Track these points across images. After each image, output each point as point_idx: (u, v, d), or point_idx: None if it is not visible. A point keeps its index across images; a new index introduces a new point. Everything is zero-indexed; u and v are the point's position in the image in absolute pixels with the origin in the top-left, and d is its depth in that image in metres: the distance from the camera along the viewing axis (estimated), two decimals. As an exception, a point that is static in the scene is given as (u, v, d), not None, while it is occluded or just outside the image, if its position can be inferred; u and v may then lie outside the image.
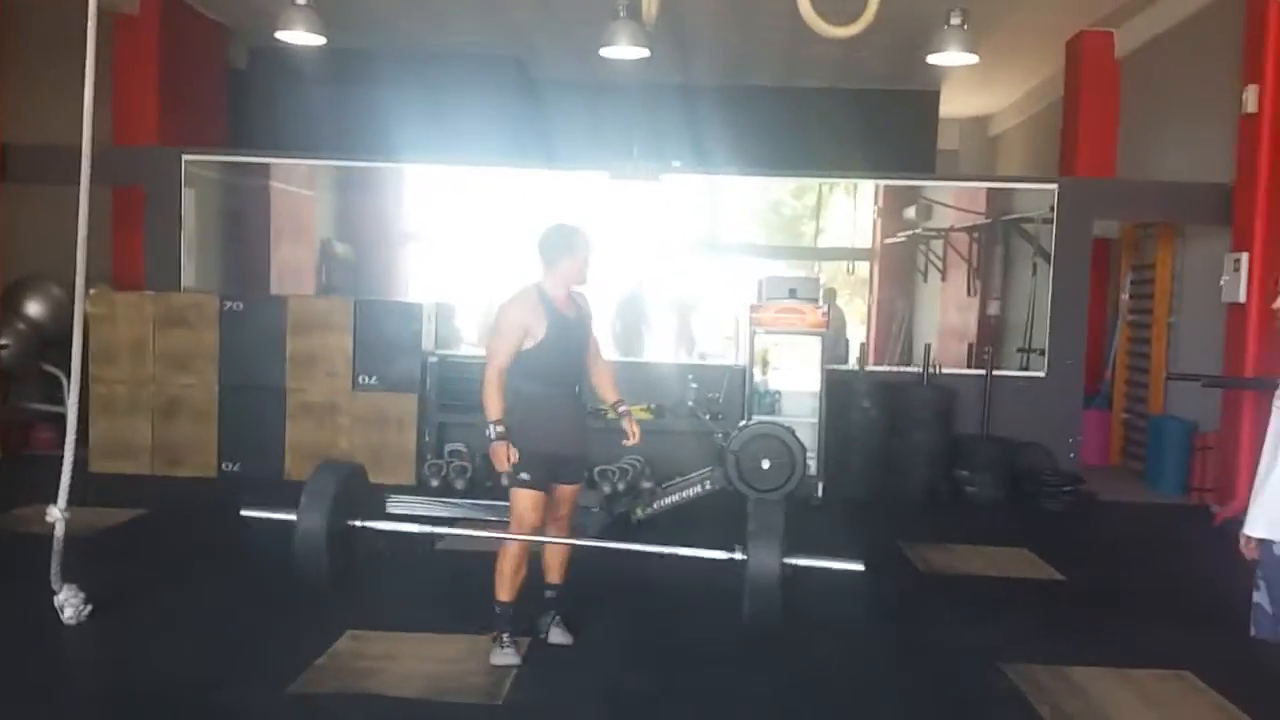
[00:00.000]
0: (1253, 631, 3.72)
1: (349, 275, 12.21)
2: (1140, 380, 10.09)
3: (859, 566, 3.84)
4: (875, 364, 10.99)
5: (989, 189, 11.96)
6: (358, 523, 4.23)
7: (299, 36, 9.37)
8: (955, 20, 9.06)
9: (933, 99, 13.95)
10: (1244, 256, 7.75)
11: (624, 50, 9.16)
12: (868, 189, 13.68)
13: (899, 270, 13.73)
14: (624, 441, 4.64)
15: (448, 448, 8.34)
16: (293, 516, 4.16)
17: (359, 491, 4.20)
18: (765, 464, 6.29)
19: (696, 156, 10.27)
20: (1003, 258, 11.47)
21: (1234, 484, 7.77)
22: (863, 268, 14.54)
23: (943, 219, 12.53)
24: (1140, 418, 10.03)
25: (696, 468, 8.06)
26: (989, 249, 11.81)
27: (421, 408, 8.25)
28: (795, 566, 3.79)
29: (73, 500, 4.95)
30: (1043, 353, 9.19)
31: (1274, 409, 3.57)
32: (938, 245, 13.06)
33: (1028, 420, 8.54)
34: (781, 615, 3.78)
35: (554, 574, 4.74)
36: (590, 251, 4.45)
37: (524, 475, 4.41)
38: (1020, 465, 8.26)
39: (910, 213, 13.18)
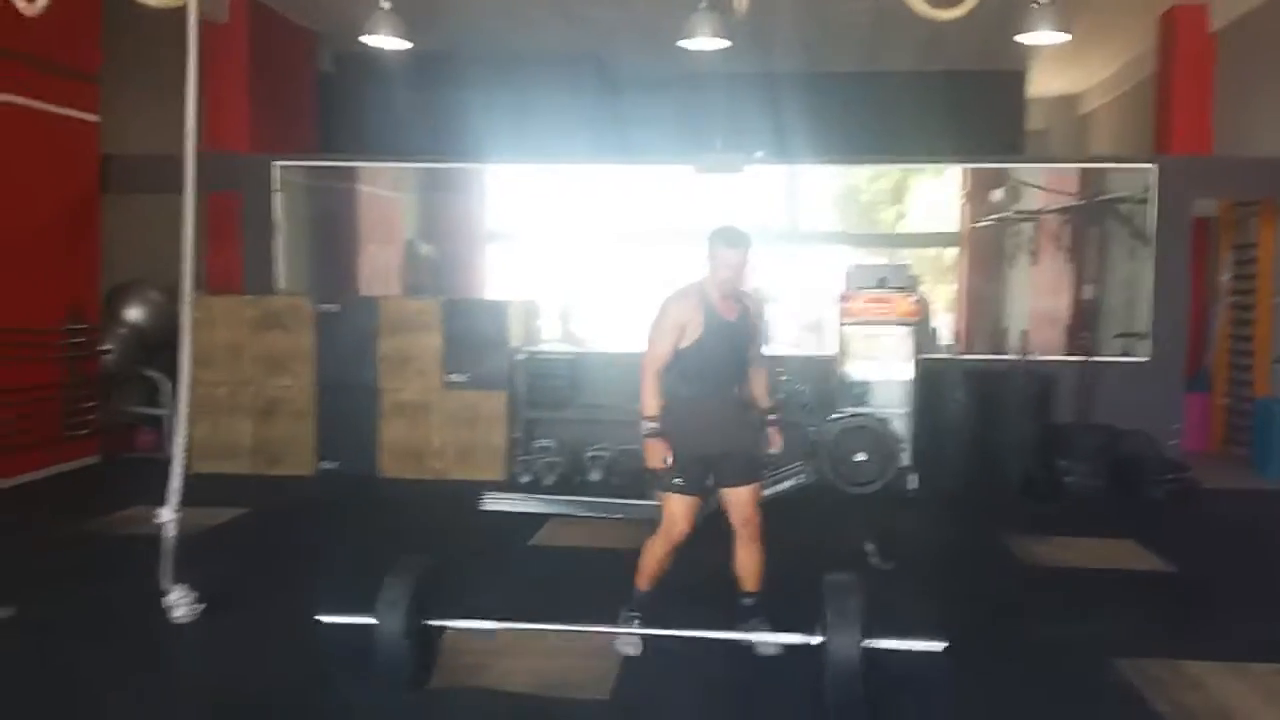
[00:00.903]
0: None
1: (433, 275, 12.39)
2: (1243, 363, 9.76)
3: (940, 646, 3.71)
4: (965, 351, 10.84)
5: (1082, 169, 11.65)
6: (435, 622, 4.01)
7: (384, 41, 9.53)
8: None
9: (1019, 79, 13.65)
10: (1355, 234, 7.44)
11: (706, 42, 9.13)
12: (953, 172, 13.48)
13: (988, 255, 13.49)
14: (767, 449, 4.56)
15: (536, 444, 8.39)
16: (371, 620, 3.99)
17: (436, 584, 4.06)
18: (859, 457, 6.21)
19: (777, 146, 10.18)
20: (1097, 240, 11.20)
21: (1348, 470, 7.48)
22: (946, 253, 14.35)
23: (1032, 202, 12.28)
24: (1244, 402, 9.70)
25: (786, 462, 8.05)
26: (1082, 231, 11.54)
27: (510, 405, 8.29)
28: (875, 649, 3.64)
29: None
30: (1143, 337, 8.94)
31: None
32: (1028, 228, 12.81)
33: (1128, 407, 8.31)
34: (864, 701, 3.63)
35: (748, 582, 4.56)
36: (747, 252, 4.31)
37: (677, 480, 4.35)
38: (1121, 453, 8.04)
39: (998, 195, 12.93)
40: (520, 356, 8.43)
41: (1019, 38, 9.39)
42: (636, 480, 7.91)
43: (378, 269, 12.59)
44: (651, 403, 4.38)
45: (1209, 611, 5.37)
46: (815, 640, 3.74)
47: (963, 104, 13.08)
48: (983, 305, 13.12)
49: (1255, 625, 5.12)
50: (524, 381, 8.40)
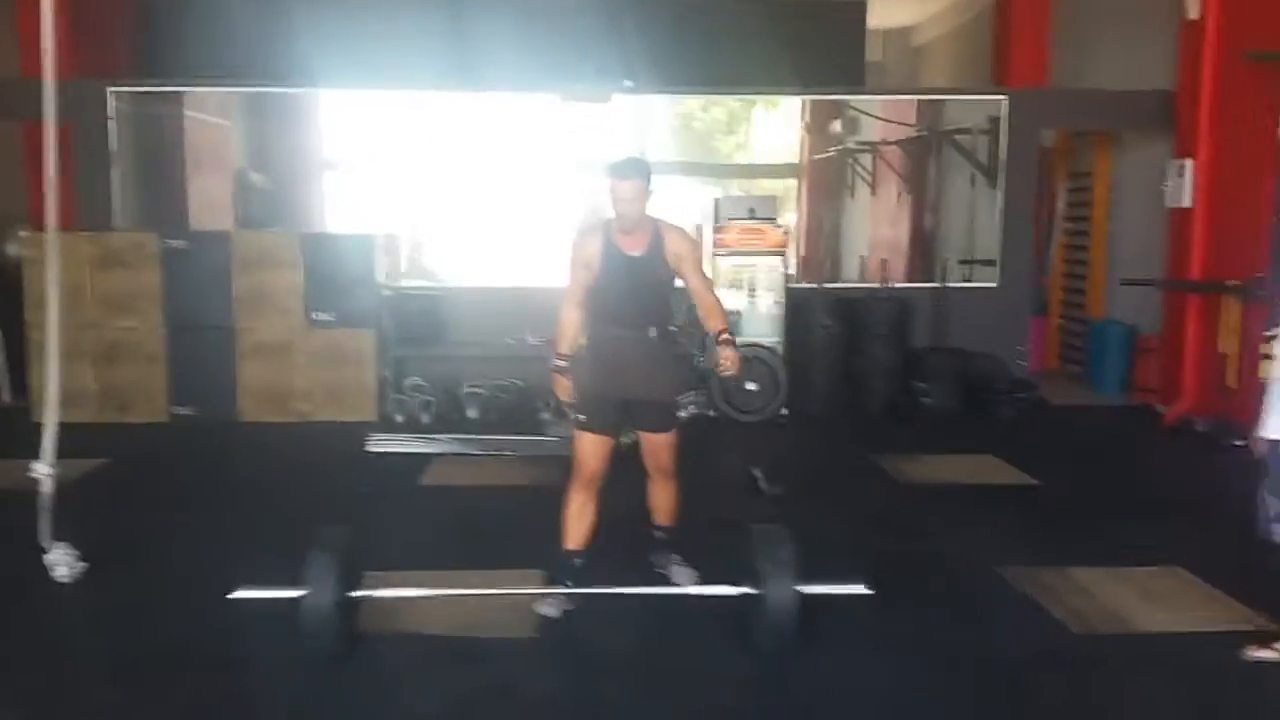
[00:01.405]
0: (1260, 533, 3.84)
1: (266, 206, 11.80)
2: (1077, 287, 10.35)
3: (865, 589, 3.84)
4: (803, 281, 11.09)
5: (919, 101, 11.97)
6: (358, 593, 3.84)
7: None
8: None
9: (860, 9, 13.86)
10: (1188, 163, 7.94)
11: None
12: (791, 103, 13.61)
13: (828, 185, 13.78)
14: (716, 369, 4.36)
15: (407, 382, 8.18)
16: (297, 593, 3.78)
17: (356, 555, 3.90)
18: (751, 386, 6.30)
19: (621, 72, 10.00)
20: (936, 170, 11.58)
21: (1179, 383, 8.04)
22: (779, 184, 14.48)
23: (872, 133, 12.57)
24: (1078, 323, 10.30)
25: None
26: (922, 161, 11.89)
27: (379, 343, 8.04)
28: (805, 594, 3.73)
29: (28, 453, 4.75)
30: (987, 264, 9.34)
31: None
32: (867, 160, 13.14)
33: (978, 331, 8.68)
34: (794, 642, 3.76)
35: (661, 514, 4.53)
36: (643, 182, 4.07)
37: (580, 416, 4.29)
38: (973, 375, 8.42)
39: (837, 126, 13.19)
40: (387, 293, 8.15)
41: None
42: (514, 416, 7.90)
43: (209, 201, 11.92)
44: (561, 338, 4.31)
45: (1077, 520, 5.72)
46: (749, 590, 3.78)
47: (805, 33, 13.21)
48: (823, 236, 13.42)
49: (1121, 531, 5.48)
50: (391, 319, 8.14)
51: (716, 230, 8.07)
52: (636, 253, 4.17)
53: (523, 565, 4.75)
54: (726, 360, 4.27)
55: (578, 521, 4.32)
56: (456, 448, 6.15)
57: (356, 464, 6.71)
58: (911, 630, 4.17)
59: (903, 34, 15.77)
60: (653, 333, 4.27)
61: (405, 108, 10.66)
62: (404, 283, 8.63)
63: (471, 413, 7.96)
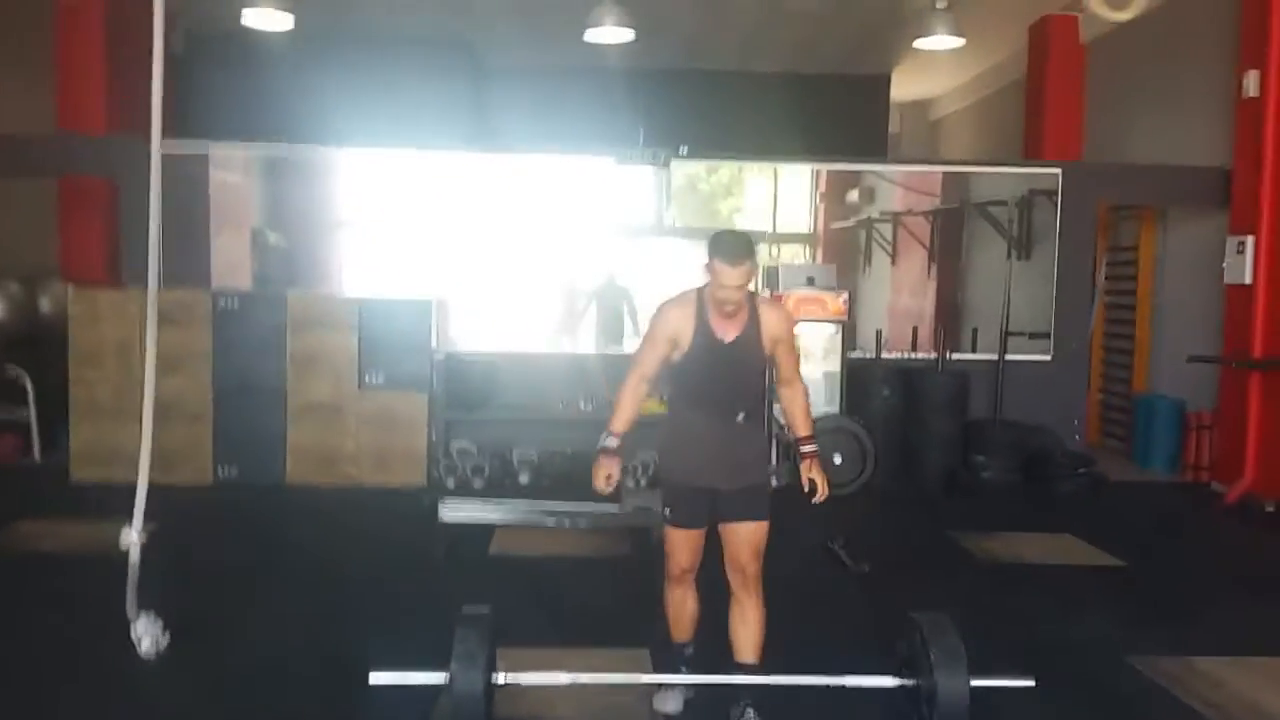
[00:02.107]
0: None
1: (283, 265, 11.65)
2: (1120, 361, 10.29)
3: (1031, 682, 3.68)
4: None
5: (945, 173, 11.99)
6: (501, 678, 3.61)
7: (263, 17, 8.94)
8: (941, 4, 9.09)
9: (883, 83, 14.04)
10: (1249, 239, 7.92)
11: (610, 32, 8.98)
12: (803, 172, 13.59)
13: (844, 255, 13.75)
14: (813, 497, 3.88)
15: (454, 446, 7.98)
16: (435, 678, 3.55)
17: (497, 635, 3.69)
18: (838, 459, 6.15)
19: (654, 139, 9.96)
20: (968, 241, 11.57)
21: (1241, 462, 7.95)
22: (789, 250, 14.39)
23: (886, 204, 12.59)
24: (1119, 397, 10.24)
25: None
26: (949, 233, 11.88)
27: (431, 407, 7.85)
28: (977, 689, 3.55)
29: (63, 511, 4.57)
30: (1032, 335, 9.27)
31: None
32: (887, 229, 13.14)
33: (1034, 404, 8.59)
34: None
35: (745, 652, 3.85)
36: (750, 267, 3.65)
37: (667, 510, 3.88)
38: (1032, 449, 8.30)
39: (853, 196, 13.21)
40: (439, 356, 7.98)
41: (917, 43, 9.65)
42: (569, 482, 7.71)
43: (230, 260, 11.78)
44: (619, 415, 3.86)
45: (1178, 605, 5.56)
46: (915, 682, 3.61)
47: (831, 106, 13.40)
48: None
49: (1227, 617, 5.33)
50: (442, 382, 7.96)
51: (774, 298, 7.96)
52: (732, 336, 3.73)
53: (627, 644, 4.56)
54: (814, 478, 3.87)
55: (680, 613, 3.98)
56: (533, 517, 5.94)
57: (415, 531, 6.49)
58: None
59: (920, 107, 15.97)
60: (741, 416, 3.82)
61: (434, 169, 10.60)
62: (453, 347, 8.44)
63: (524, 478, 7.77)
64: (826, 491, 3.90)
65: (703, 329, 3.73)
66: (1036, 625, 5.18)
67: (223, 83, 11.60)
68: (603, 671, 3.93)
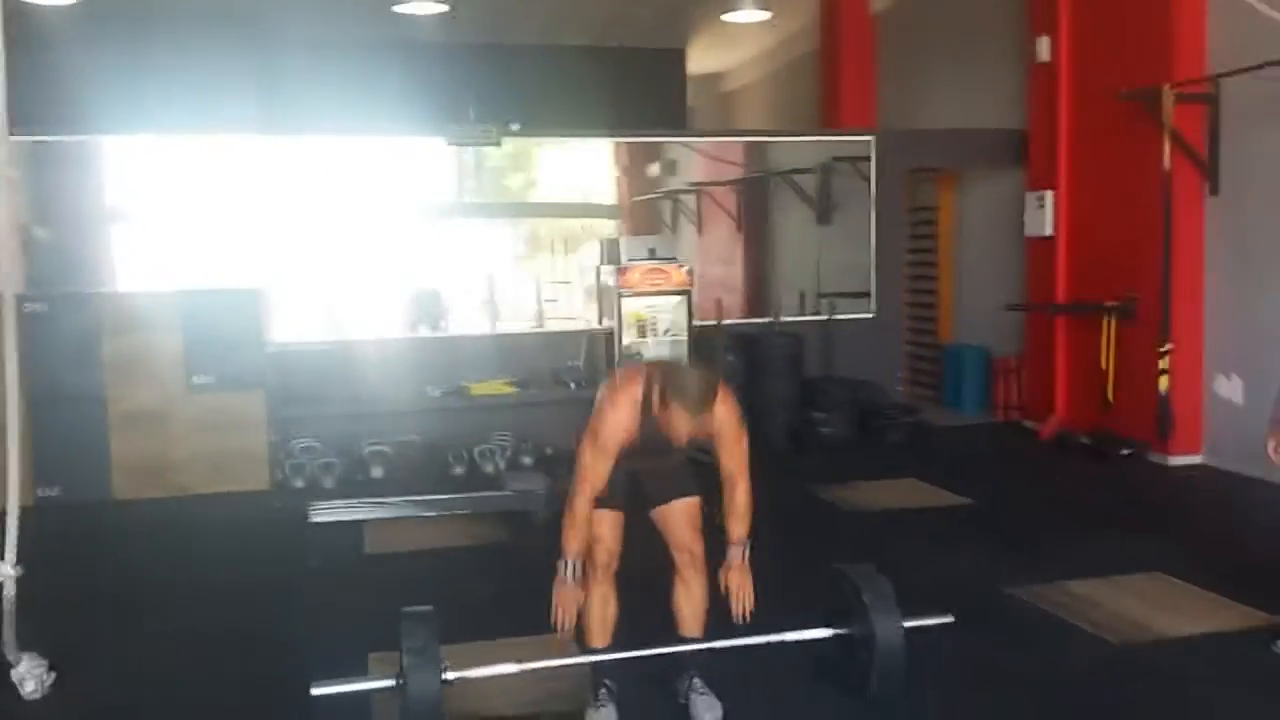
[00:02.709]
0: None
1: (54, 262, 10.75)
2: (924, 314, 10.89)
3: (950, 619, 3.87)
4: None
5: (744, 143, 12.28)
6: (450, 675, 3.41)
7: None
8: (747, -23, 9.31)
9: (681, 57, 14.27)
10: (1048, 194, 8.52)
11: (421, 5, 8.75)
12: (602, 146, 13.63)
13: (650, 226, 13.93)
14: (728, 599, 3.59)
15: (297, 444, 7.62)
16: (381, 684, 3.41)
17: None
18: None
19: (460, 115, 9.76)
20: (772, 208, 11.92)
21: (1051, 400, 8.58)
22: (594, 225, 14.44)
23: (689, 175, 12.83)
24: (926, 348, 10.84)
25: (566, 436, 7.92)
26: (756, 202, 12.21)
27: (268, 405, 7.45)
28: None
29: None
30: (842, 296, 9.65)
31: None
32: (691, 200, 13.38)
33: (858, 360, 8.97)
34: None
35: (691, 626, 3.78)
36: (702, 413, 3.31)
37: None
38: (863, 402, 8.69)
39: (654, 169, 13.40)
40: (273, 349, 7.59)
41: (725, 16, 9.85)
42: (426, 472, 7.51)
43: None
44: (575, 538, 3.45)
45: (1030, 535, 5.98)
46: (849, 630, 3.72)
47: (632, 79, 13.51)
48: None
49: (1079, 542, 5.78)
50: (277, 378, 7.58)
51: (620, 272, 7.99)
52: (681, 437, 3.40)
53: (547, 629, 4.48)
54: (735, 582, 3.56)
55: (601, 615, 3.71)
56: (409, 510, 5.76)
57: (274, 537, 6.20)
58: (980, 656, 4.21)
59: (712, 80, 16.30)
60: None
61: (226, 152, 10.00)
62: (288, 338, 8.03)
63: (377, 472, 7.50)
64: (751, 605, 3.56)
65: (649, 425, 3.41)
66: (913, 566, 5.39)
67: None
68: (541, 659, 3.85)
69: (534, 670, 3.63)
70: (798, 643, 3.87)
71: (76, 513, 6.88)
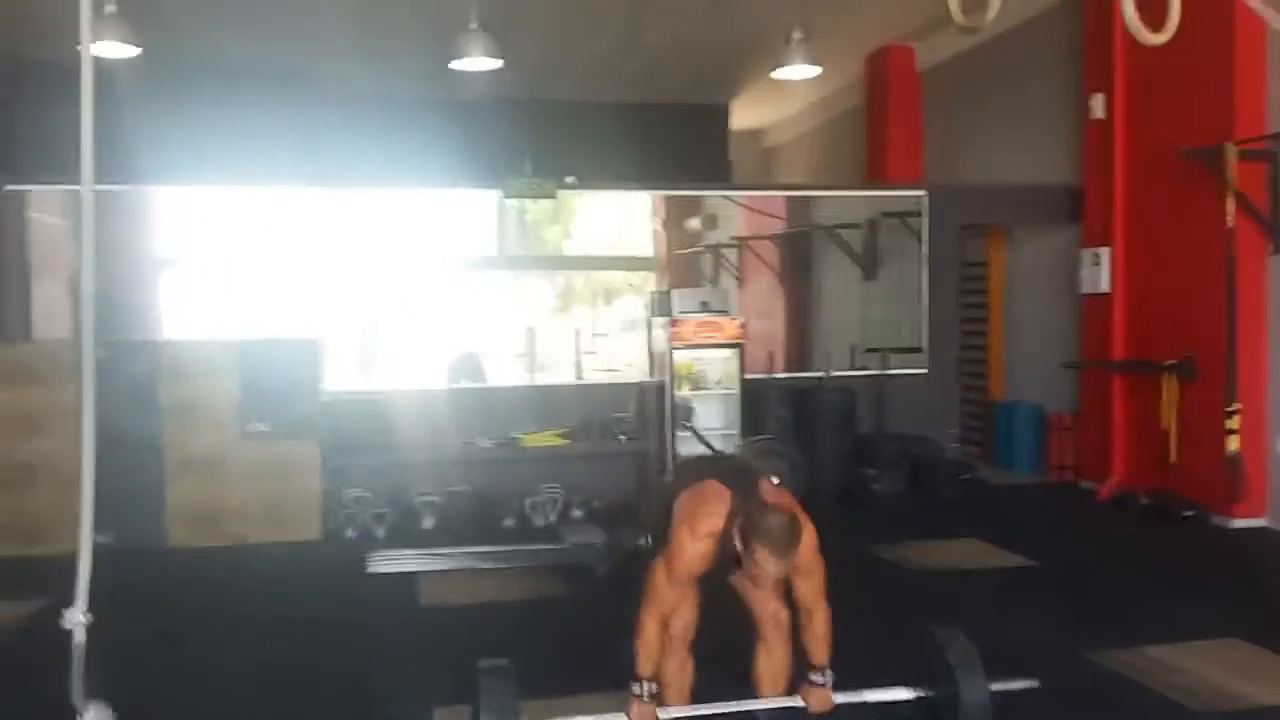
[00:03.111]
0: None
1: (104, 310, 10.82)
2: (975, 370, 10.79)
3: (1035, 683, 3.81)
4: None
5: (786, 198, 12.30)
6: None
7: (107, 47, 8.39)
8: (797, 36, 9.36)
9: (723, 113, 14.37)
10: (1104, 251, 8.45)
11: (477, 62, 8.83)
12: (639, 198, 13.67)
13: (690, 280, 13.94)
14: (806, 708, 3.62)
15: (350, 494, 7.58)
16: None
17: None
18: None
19: (499, 170, 9.85)
20: (820, 263, 11.91)
21: (1108, 460, 8.45)
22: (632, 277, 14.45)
23: (730, 229, 12.86)
24: (976, 405, 10.72)
25: (616, 489, 7.90)
26: (799, 256, 12.21)
27: (322, 454, 7.45)
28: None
29: None
30: (893, 351, 9.59)
31: None
32: (732, 254, 13.40)
33: (912, 416, 8.89)
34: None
35: (769, 690, 3.74)
36: (789, 555, 3.28)
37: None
38: (916, 459, 8.59)
39: (694, 222, 13.44)
40: (325, 399, 7.59)
41: (775, 73, 9.90)
42: (473, 523, 7.47)
43: (51, 308, 10.88)
44: (647, 658, 3.42)
45: (1102, 599, 5.83)
46: (932, 692, 3.64)
47: (675, 134, 13.61)
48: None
49: (1149, 605, 5.63)
50: (331, 426, 7.57)
51: (672, 324, 7.97)
52: (764, 579, 3.39)
53: (607, 688, 4.40)
54: (817, 703, 3.58)
55: (679, 681, 3.72)
56: (468, 562, 5.70)
57: (329, 587, 6.15)
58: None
59: (754, 136, 16.40)
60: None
61: (273, 205, 10.11)
62: (336, 387, 8.04)
63: (428, 523, 7.46)
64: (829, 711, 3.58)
65: (723, 561, 3.39)
66: (987, 628, 5.27)
67: (41, 116, 10.75)
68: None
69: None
70: (878, 705, 3.80)
71: (131, 559, 6.85)
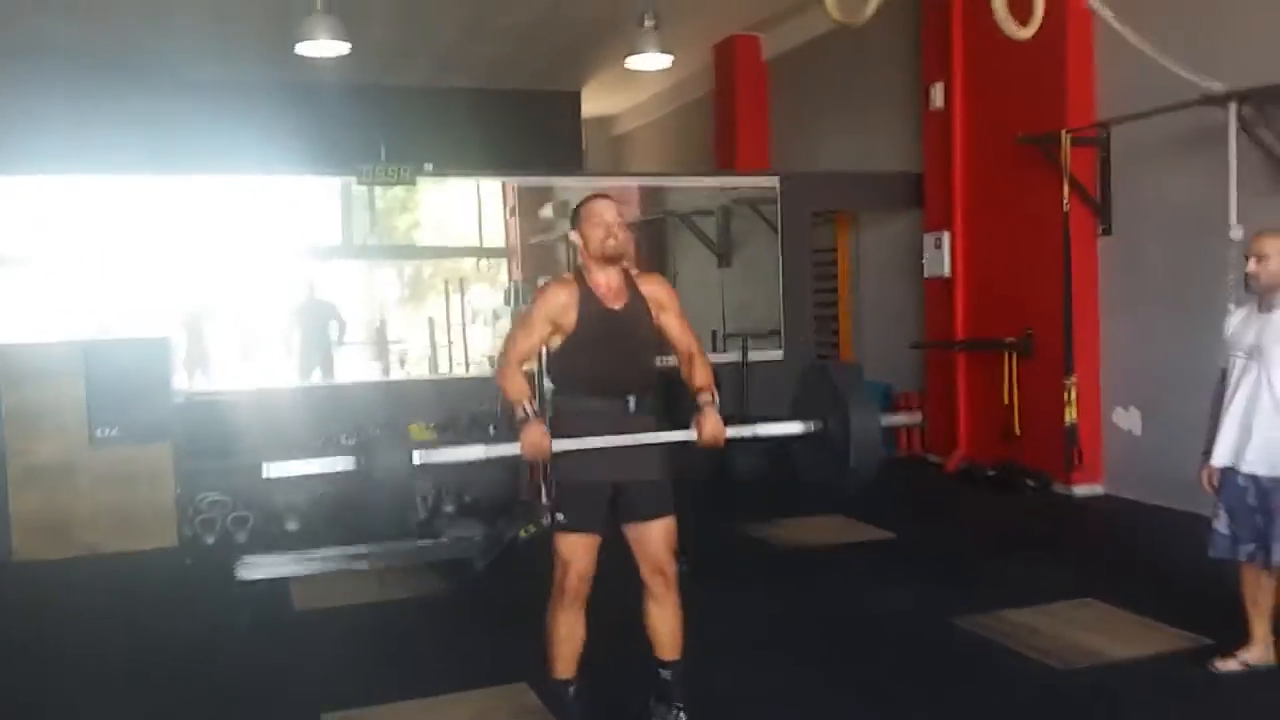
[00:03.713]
0: (1210, 553, 4.29)
1: None
2: (824, 353, 11.10)
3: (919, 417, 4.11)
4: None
5: (641, 186, 12.40)
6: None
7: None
8: (649, 23, 9.43)
9: (575, 100, 14.37)
10: (945, 235, 8.84)
11: (324, 46, 8.61)
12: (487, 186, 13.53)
13: (545, 268, 13.94)
14: (693, 441, 3.73)
15: (206, 499, 7.31)
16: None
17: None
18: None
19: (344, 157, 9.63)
20: (673, 249, 12.06)
21: (954, 435, 8.86)
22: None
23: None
24: (828, 386, 11.05)
25: (487, 483, 7.86)
26: (654, 243, 12.34)
27: (175, 458, 7.16)
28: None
29: None
30: (750, 335, 9.81)
31: (1233, 358, 4.18)
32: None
33: (771, 399, 9.08)
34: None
35: (665, 647, 3.74)
36: (610, 214, 3.62)
37: (560, 516, 3.62)
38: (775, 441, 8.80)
39: (547, 211, 13.45)
40: (179, 400, 7.30)
41: (629, 61, 9.96)
42: (341, 525, 7.30)
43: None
44: (516, 385, 3.61)
45: (958, 566, 6.13)
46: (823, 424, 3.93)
47: (528, 121, 13.56)
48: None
49: (1004, 572, 5.96)
50: (183, 429, 7.28)
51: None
52: (618, 305, 3.62)
53: (500, 680, 4.41)
54: (710, 428, 3.71)
55: (569, 644, 3.70)
56: (344, 563, 5.58)
57: (192, 596, 5.95)
58: (936, 685, 4.31)
59: (603, 123, 16.46)
60: (632, 402, 3.70)
61: (109, 191, 9.60)
62: (187, 388, 7.75)
63: (291, 525, 7.27)
64: (719, 438, 3.73)
65: (588, 299, 3.58)
66: (852, 599, 5.56)
67: None
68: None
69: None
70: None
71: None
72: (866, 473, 3.79)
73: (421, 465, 3.75)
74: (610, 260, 3.62)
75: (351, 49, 8.60)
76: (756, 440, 4.04)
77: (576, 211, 3.70)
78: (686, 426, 3.74)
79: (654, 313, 3.71)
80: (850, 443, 3.74)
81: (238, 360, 9.82)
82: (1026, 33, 3.67)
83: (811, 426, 3.98)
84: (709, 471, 8.43)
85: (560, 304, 3.59)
